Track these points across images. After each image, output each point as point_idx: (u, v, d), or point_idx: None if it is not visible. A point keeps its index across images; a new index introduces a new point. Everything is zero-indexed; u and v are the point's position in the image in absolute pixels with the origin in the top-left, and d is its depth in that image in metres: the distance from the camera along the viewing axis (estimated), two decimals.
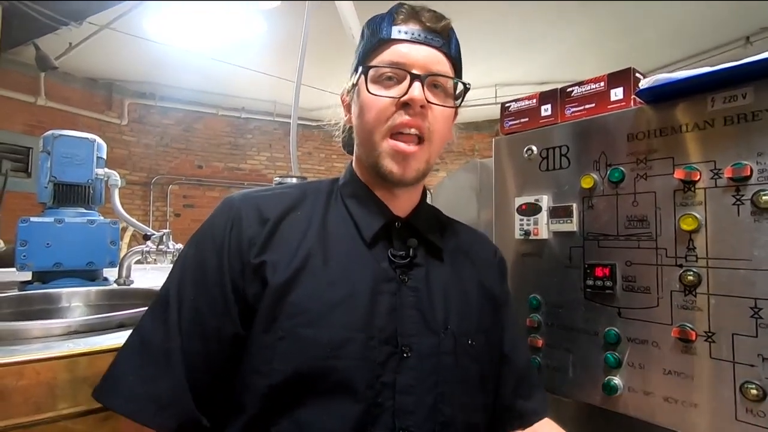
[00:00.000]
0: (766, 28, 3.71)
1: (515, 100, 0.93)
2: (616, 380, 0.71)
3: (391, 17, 0.59)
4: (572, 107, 0.83)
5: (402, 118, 0.56)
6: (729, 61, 0.60)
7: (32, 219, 1.19)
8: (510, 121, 0.93)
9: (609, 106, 0.78)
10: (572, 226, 0.79)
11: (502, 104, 0.95)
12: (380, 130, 0.57)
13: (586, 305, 0.77)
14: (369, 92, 0.57)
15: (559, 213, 0.81)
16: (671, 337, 0.66)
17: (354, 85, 0.62)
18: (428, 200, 0.69)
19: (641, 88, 0.69)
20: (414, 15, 0.59)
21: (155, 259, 1.36)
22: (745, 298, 0.59)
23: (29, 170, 2.49)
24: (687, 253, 0.65)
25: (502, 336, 0.66)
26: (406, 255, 0.59)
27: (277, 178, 1.35)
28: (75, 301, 1.12)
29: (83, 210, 1.31)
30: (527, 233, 0.85)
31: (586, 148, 0.79)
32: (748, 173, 0.59)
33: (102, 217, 1.32)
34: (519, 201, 0.87)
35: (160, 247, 1.35)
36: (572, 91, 0.84)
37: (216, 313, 0.53)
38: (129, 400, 0.50)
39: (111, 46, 3.97)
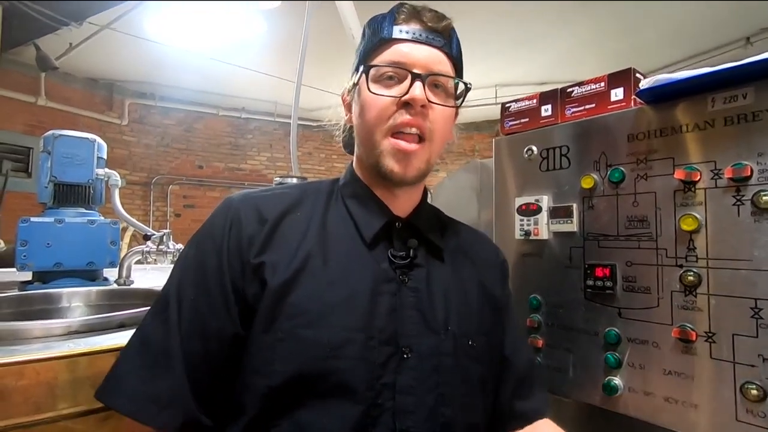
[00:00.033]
0: (766, 29, 3.71)
1: (515, 101, 0.93)
2: (617, 380, 0.71)
3: (392, 17, 0.59)
4: (572, 107, 0.83)
5: (403, 117, 0.56)
6: (729, 62, 0.60)
7: (32, 219, 1.19)
8: (510, 121, 0.93)
9: (609, 107, 0.78)
10: (572, 226, 0.79)
11: (503, 104, 0.95)
12: (381, 130, 0.57)
13: (586, 305, 0.77)
14: (370, 91, 0.57)
15: (559, 213, 0.81)
16: (671, 338, 0.66)
17: (355, 85, 0.62)
18: (429, 200, 0.69)
19: (641, 88, 0.69)
20: (415, 15, 0.59)
21: (155, 260, 1.36)
22: (746, 299, 0.59)
23: (30, 170, 2.49)
24: (687, 253, 0.65)
25: (503, 338, 0.66)
26: (406, 255, 0.59)
27: (278, 179, 1.35)
28: (75, 301, 1.12)
29: (83, 210, 1.31)
30: (527, 233, 0.85)
31: (587, 149, 0.79)
32: (749, 173, 0.59)
33: (102, 217, 1.32)
34: (519, 201, 0.87)
35: (161, 247, 1.35)
36: (572, 91, 0.84)
37: (216, 313, 0.53)
38: (131, 400, 0.50)
39: (111, 46, 3.97)
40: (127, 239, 2.95)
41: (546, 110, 0.87)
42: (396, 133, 0.57)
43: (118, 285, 1.30)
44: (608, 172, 0.74)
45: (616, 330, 0.72)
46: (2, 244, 1.61)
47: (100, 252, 1.27)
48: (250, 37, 3.87)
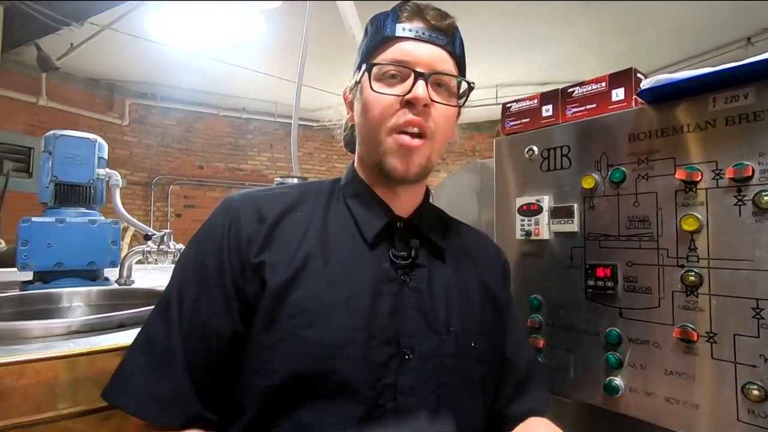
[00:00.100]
0: (767, 29, 3.71)
1: (516, 101, 0.93)
2: (618, 381, 0.71)
3: (395, 15, 0.59)
4: (573, 107, 0.83)
5: (405, 116, 0.56)
6: (730, 62, 0.60)
7: (33, 219, 1.19)
8: (511, 121, 0.93)
9: (610, 107, 0.78)
10: (573, 226, 0.79)
11: (504, 104, 0.95)
12: (383, 128, 0.57)
13: (587, 305, 0.77)
14: (372, 90, 0.57)
15: (560, 213, 0.81)
16: (673, 338, 0.65)
17: (357, 83, 0.62)
18: (430, 200, 0.69)
19: (642, 88, 0.69)
20: (418, 13, 0.59)
21: (156, 259, 1.36)
22: (747, 299, 0.59)
23: (30, 170, 2.49)
24: (688, 253, 0.65)
25: (504, 339, 0.66)
26: (408, 255, 0.59)
27: (278, 179, 1.35)
28: (76, 301, 1.12)
29: (84, 210, 1.31)
30: (528, 234, 0.85)
31: (588, 149, 0.79)
32: (750, 174, 0.59)
33: (103, 217, 1.32)
34: (520, 201, 0.87)
35: (161, 247, 1.35)
36: (573, 91, 0.84)
37: (216, 312, 0.53)
38: (135, 399, 0.50)
39: (112, 46, 3.98)
40: (127, 239, 2.95)
41: (547, 110, 0.87)
42: (399, 132, 0.57)
43: (119, 285, 1.30)
44: (609, 172, 0.74)
45: (617, 330, 0.72)
46: (3, 244, 1.61)
47: (100, 252, 1.27)
48: (250, 37, 3.87)
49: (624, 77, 0.77)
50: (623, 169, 0.73)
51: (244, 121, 5.85)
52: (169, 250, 1.35)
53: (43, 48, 3.38)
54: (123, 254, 1.35)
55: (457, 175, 1.40)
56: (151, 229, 1.44)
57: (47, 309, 1.07)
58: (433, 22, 0.58)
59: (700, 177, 0.64)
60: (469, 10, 3.22)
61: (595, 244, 0.76)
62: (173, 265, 0.62)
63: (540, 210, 0.83)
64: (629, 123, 0.73)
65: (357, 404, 0.50)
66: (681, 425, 0.65)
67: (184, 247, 0.60)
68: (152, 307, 0.57)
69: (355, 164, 0.66)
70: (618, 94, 0.77)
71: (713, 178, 0.63)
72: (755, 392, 0.57)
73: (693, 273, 0.64)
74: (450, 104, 0.60)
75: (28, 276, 1.23)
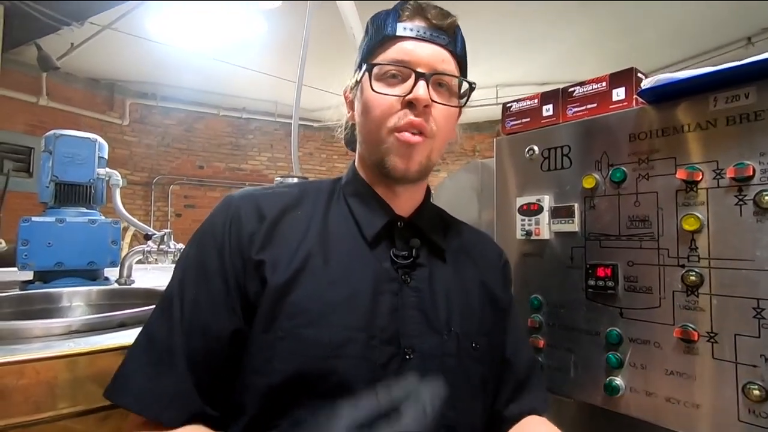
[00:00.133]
0: (767, 29, 3.70)
1: (517, 100, 0.93)
2: (618, 380, 0.71)
3: (396, 13, 0.59)
4: (574, 107, 0.83)
5: (406, 118, 0.56)
6: (731, 62, 0.60)
7: (34, 219, 1.19)
8: (511, 121, 0.93)
9: (611, 106, 0.78)
10: (574, 226, 0.78)
11: (504, 104, 0.95)
12: (384, 128, 0.57)
13: (587, 305, 0.77)
14: (373, 90, 0.57)
15: (560, 213, 0.81)
16: (673, 338, 0.65)
17: (357, 82, 0.62)
18: (431, 200, 0.69)
19: (643, 88, 0.69)
20: (420, 11, 0.58)
21: (156, 259, 1.36)
22: (748, 299, 0.59)
23: (31, 170, 2.49)
24: (689, 253, 0.65)
25: (505, 339, 0.66)
26: (408, 255, 0.59)
27: (278, 179, 1.35)
28: (76, 300, 1.11)
29: (84, 210, 1.31)
30: (529, 233, 0.85)
31: (588, 148, 0.79)
32: (751, 173, 0.59)
33: (103, 217, 1.32)
34: (520, 201, 0.87)
35: (161, 246, 1.35)
36: (574, 91, 0.83)
37: (217, 311, 0.53)
38: (138, 397, 0.50)
39: (113, 46, 3.98)
40: (128, 239, 2.95)
41: (547, 110, 0.87)
42: (399, 131, 0.57)
43: (119, 285, 1.30)
44: (610, 172, 0.74)
45: (618, 330, 0.72)
46: (3, 244, 1.61)
47: (101, 252, 1.27)
48: (250, 37, 3.87)
49: (625, 77, 0.77)
50: (624, 168, 0.73)
51: (244, 121, 5.85)
52: (169, 249, 1.35)
53: (43, 48, 3.38)
54: (123, 254, 1.35)
55: (457, 175, 1.40)
56: (152, 229, 1.44)
57: (47, 309, 1.06)
58: (434, 21, 0.58)
59: (700, 177, 0.64)
60: (469, 10, 3.22)
61: (596, 244, 0.76)
62: (173, 265, 0.62)
63: (540, 210, 0.83)
64: (630, 123, 0.73)
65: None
66: (681, 425, 0.65)
67: (184, 247, 0.60)
68: (152, 306, 0.57)
69: (356, 163, 0.66)
70: (618, 93, 0.77)
71: (714, 178, 0.63)
72: (756, 392, 0.57)
73: (694, 273, 0.64)
74: (451, 105, 0.59)
75: (29, 276, 1.23)
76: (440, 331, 0.56)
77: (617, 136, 0.75)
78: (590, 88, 0.81)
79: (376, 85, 0.57)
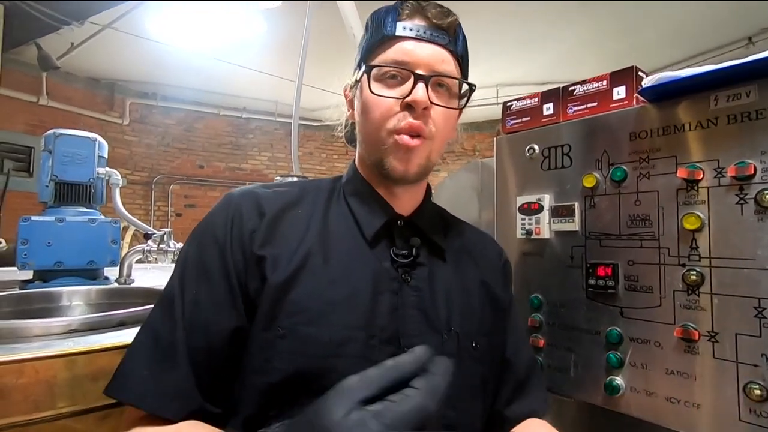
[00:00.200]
0: (767, 29, 3.70)
1: (517, 99, 0.93)
2: (618, 380, 0.71)
3: (396, 12, 0.58)
4: (574, 106, 0.83)
5: (405, 120, 0.56)
6: (731, 61, 0.60)
7: (33, 218, 1.19)
8: (512, 120, 0.93)
9: (611, 105, 0.78)
10: (574, 225, 0.78)
11: (504, 103, 0.95)
12: (383, 130, 0.57)
13: (588, 305, 0.76)
14: (372, 92, 0.57)
15: (560, 212, 0.80)
16: (674, 337, 0.65)
17: (357, 81, 0.61)
18: (431, 199, 0.69)
19: (644, 86, 0.69)
20: (420, 10, 0.57)
21: (156, 258, 1.36)
22: (749, 298, 0.59)
23: (31, 170, 2.49)
24: (690, 252, 0.65)
25: (505, 339, 0.66)
26: (408, 254, 0.59)
27: (278, 178, 1.35)
28: (75, 299, 1.11)
29: (84, 209, 1.31)
30: (529, 232, 0.85)
31: (589, 147, 0.78)
32: (752, 172, 0.59)
33: (103, 216, 1.32)
34: (520, 200, 0.87)
35: (161, 246, 1.35)
36: (574, 89, 0.83)
37: (219, 310, 0.53)
38: (140, 393, 0.49)
39: (113, 45, 3.98)
40: (128, 238, 2.95)
41: (548, 109, 0.87)
42: (398, 133, 0.57)
43: (119, 284, 1.30)
44: (610, 171, 0.74)
45: (618, 329, 0.72)
46: (3, 243, 1.61)
47: (100, 251, 1.27)
48: (250, 37, 3.87)
49: (625, 75, 0.77)
50: (624, 167, 0.73)
51: (244, 120, 5.85)
52: (169, 249, 1.35)
53: (43, 47, 3.38)
54: (123, 253, 1.35)
55: (457, 175, 1.40)
56: (151, 228, 1.44)
57: (47, 308, 1.06)
58: (434, 21, 0.57)
59: (701, 175, 0.64)
60: (469, 10, 3.22)
61: (596, 243, 0.76)
62: (173, 264, 0.62)
63: (541, 209, 0.83)
64: (630, 121, 0.73)
65: None
66: (682, 425, 0.65)
67: (183, 245, 0.60)
68: (152, 306, 0.57)
69: (356, 162, 0.66)
70: (619, 92, 0.77)
71: (715, 177, 0.63)
72: (757, 392, 0.57)
73: (694, 272, 0.63)
74: (450, 107, 0.59)
75: (28, 275, 1.23)
76: (440, 331, 0.56)
77: (618, 134, 0.74)
78: (591, 86, 0.81)
79: (375, 87, 0.57)
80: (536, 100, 0.89)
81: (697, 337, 0.63)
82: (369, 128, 0.58)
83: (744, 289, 0.60)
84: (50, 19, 3.00)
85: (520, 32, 3.84)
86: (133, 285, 1.31)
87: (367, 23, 0.62)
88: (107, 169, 1.39)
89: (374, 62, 0.58)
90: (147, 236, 1.37)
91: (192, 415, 0.50)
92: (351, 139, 0.70)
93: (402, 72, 0.56)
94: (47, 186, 1.27)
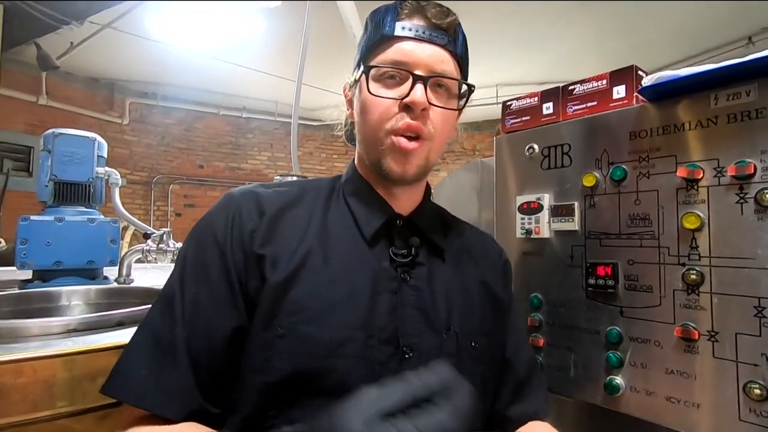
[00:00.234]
0: (767, 28, 3.70)
1: (517, 99, 0.93)
2: (618, 380, 0.71)
3: (395, 11, 0.58)
4: (574, 105, 0.83)
5: (404, 120, 0.55)
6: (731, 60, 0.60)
7: (33, 217, 1.19)
8: (511, 119, 0.93)
9: (611, 104, 0.78)
10: (574, 224, 0.78)
11: (504, 102, 0.95)
12: (382, 130, 0.57)
13: (587, 304, 0.76)
14: (370, 93, 0.57)
15: (560, 211, 0.80)
16: (674, 337, 0.65)
17: (356, 81, 0.61)
18: (431, 198, 0.69)
19: (644, 85, 0.69)
20: (419, 10, 0.57)
21: (155, 258, 1.36)
22: (749, 297, 0.59)
23: (30, 169, 2.49)
24: (690, 251, 0.65)
25: (505, 339, 0.66)
26: (408, 254, 0.59)
27: (278, 178, 1.35)
28: (75, 299, 1.11)
29: (84, 209, 1.31)
30: (528, 232, 0.85)
31: (588, 147, 0.78)
32: (752, 171, 0.59)
33: (102, 216, 1.32)
34: (520, 200, 0.87)
35: (161, 245, 1.34)
36: (574, 89, 0.83)
37: (218, 310, 0.53)
38: (140, 392, 0.49)
39: (112, 45, 3.97)
40: (127, 238, 2.95)
41: (547, 108, 0.87)
42: (396, 134, 0.57)
43: (118, 283, 1.30)
44: (610, 170, 0.74)
45: (618, 329, 0.72)
46: (3, 243, 1.61)
47: (100, 250, 1.27)
48: (250, 37, 3.87)
49: (625, 75, 0.77)
50: (624, 167, 0.73)
51: (244, 120, 5.85)
52: (168, 248, 1.35)
53: (43, 47, 3.38)
54: (122, 253, 1.35)
55: (457, 174, 1.39)
56: (151, 228, 1.44)
57: (46, 307, 1.06)
58: (434, 21, 0.57)
59: (701, 175, 0.64)
60: (469, 10, 3.21)
61: (596, 243, 0.76)
62: (173, 264, 0.62)
63: (540, 208, 0.83)
64: (630, 120, 0.73)
65: None
66: (682, 425, 0.65)
67: (182, 244, 0.60)
68: (151, 306, 0.57)
69: (356, 162, 0.66)
70: (619, 91, 0.77)
71: (715, 176, 0.63)
72: (757, 391, 0.57)
73: (694, 271, 0.63)
74: (449, 107, 0.59)
75: (28, 275, 1.23)
76: (439, 331, 0.56)
77: (618, 134, 0.74)
78: (591, 86, 0.81)
79: (374, 87, 0.57)
80: (536, 99, 0.89)
81: (697, 337, 0.63)
82: (367, 128, 0.58)
83: (744, 288, 0.60)
84: (50, 19, 3.00)
85: (520, 32, 3.84)
86: (132, 285, 1.31)
87: (366, 23, 0.62)
88: (107, 168, 1.39)
89: (373, 62, 0.58)
90: (146, 236, 1.37)
91: (192, 415, 0.49)
92: (351, 138, 0.70)
93: (400, 72, 0.56)
94: (46, 186, 1.27)
